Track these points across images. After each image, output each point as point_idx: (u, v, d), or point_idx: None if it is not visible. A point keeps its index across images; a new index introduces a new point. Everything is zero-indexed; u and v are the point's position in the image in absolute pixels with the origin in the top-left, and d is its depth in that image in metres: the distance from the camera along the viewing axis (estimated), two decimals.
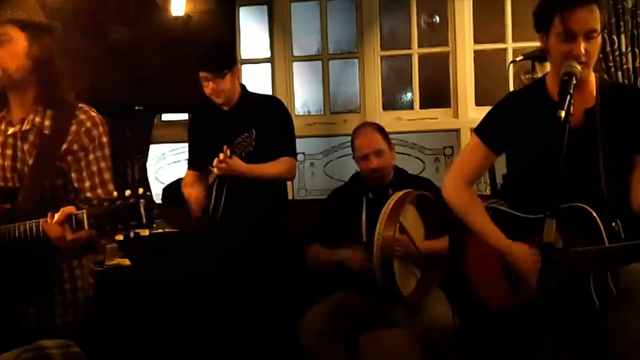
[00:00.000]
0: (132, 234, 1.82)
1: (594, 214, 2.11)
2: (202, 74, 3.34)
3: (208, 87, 3.35)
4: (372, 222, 3.03)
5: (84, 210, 1.89)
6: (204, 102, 3.49)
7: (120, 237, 1.83)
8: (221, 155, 3.13)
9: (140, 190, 1.82)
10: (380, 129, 3.33)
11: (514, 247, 2.27)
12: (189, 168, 3.61)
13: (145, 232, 1.83)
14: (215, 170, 3.20)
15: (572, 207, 2.12)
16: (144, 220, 1.79)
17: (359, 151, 3.29)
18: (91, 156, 2.18)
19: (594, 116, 2.24)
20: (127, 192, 1.83)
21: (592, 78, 2.28)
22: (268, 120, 3.34)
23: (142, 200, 1.79)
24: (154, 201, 1.83)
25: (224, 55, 3.43)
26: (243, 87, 3.50)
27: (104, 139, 2.23)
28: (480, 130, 2.45)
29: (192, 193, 3.38)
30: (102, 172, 2.20)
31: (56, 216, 1.94)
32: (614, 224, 2.12)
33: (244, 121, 3.26)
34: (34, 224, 2.02)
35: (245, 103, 3.42)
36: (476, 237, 2.40)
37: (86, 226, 1.88)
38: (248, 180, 3.25)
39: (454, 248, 2.55)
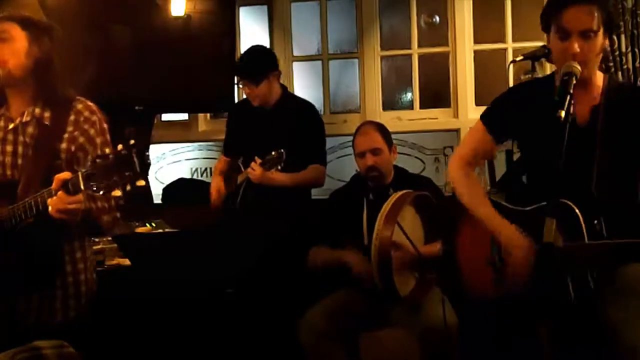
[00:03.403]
0: (128, 187, 1.79)
1: (577, 211, 2.11)
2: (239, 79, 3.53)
3: (245, 91, 3.51)
4: (373, 223, 3.01)
5: (78, 173, 1.89)
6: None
7: (118, 193, 1.81)
8: (253, 165, 3.33)
9: (132, 142, 1.82)
10: (381, 129, 3.33)
11: (509, 229, 2.24)
12: (224, 154, 3.80)
13: (141, 183, 1.79)
14: (245, 175, 3.39)
15: (557, 202, 2.12)
16: (138, 169, 1.78)
17: (356, 148, 3.30)
18: (99, 140, 2.22)
19: (598, 113, 2.23)
20: (119, 147, 1.82)
21: (599, 77, 2.28)
22: (302, 127, 3.49)
23: (134, 150, 1.79)
24: (145, 152, 1.83)
25: (259, 63, 3.51)
26: (284, 88, 3.62)
27: (104, 125, 2.26)
28: (486, 116, 2.46)
29: (215, 184, 3.61)
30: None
31: (53, 186, 1.94)
32: (596, 222, 2.12)
33: (281, 125, 3.44)
34: (33, 200, 2.01)
35: (283, 106, 3.54)
36: (469, 222, 2.38)
37: (82, 187, 1.87)
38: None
39: (448, 233, 2.56)
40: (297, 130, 3.44)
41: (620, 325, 2.11)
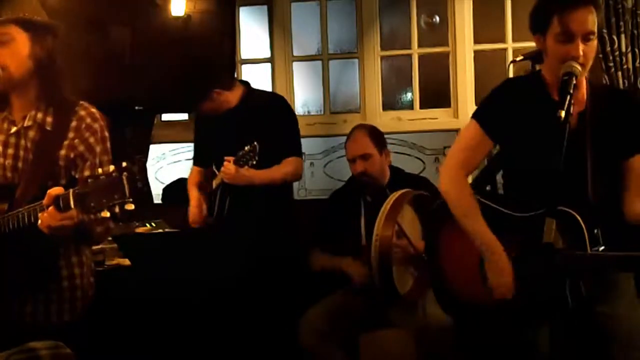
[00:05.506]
0: (117, 209, 1.79)
1: (580, 221, 2.07)
2: None
3: None
4: (371, 225, 3.02)
5: (70, 191, 1.89)
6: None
7: (106, 214, 1.81)
8: (226, 164, 3.14)
9: (124, 164, 1.80)
10: (372, 133, 3.29)
11: (487, 237, 2.20)
12: (194, 164, 3.65)
13: (130, 207, 1.79)
14: (220, 177, 3.23)
15: (558, 211, 2.09)
16: (127, 193, 1.77)
17: (347, 154, 3.32)
18: (98, 148, 2.20)
19: (585, 119, 2.18)
20: (111, 168, 1.81)
21: (583, 81, 2.21)
22: (272, 120, 3.31)
23: (125, 174, 1.78)
24: (137, 175, 1.80)
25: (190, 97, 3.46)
26: (247, 84, 3.47)
27: (105, 133, 2.25)
28: (479, 115, 2.32)
29: (194, 201, 3.44)
30: (102, 164, 2.19)
31: (44, 201, 1.94)
32: (596, 231, 2.08)
33: (247, 121, 3.26)
34: (26, 212, 2.02)
35: (248, 102, 3.38)
36: (455, 229, 2.30)
37: (72, 205, 1.87)
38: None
39: (430, 239, 2.53)
40: (266, 123, 3.24)
41: (611, 320, 2.14)
